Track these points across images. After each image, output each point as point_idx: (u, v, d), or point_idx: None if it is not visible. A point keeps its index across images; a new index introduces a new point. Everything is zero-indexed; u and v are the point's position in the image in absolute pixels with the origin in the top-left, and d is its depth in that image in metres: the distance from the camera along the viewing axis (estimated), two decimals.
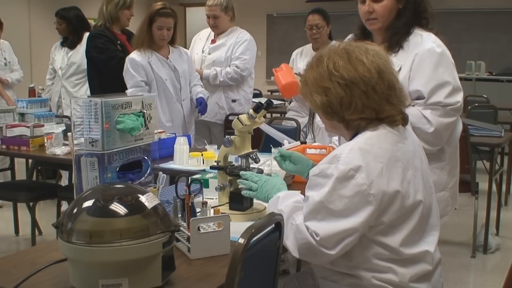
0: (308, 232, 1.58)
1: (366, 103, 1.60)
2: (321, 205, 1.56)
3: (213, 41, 4.27)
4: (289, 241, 1.63)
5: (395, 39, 2.22)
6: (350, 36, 2.44)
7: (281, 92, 3.42)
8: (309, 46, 4.49)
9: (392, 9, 2.22)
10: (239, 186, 1.95)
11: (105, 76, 4.02)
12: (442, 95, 2.12)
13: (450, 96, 2.14)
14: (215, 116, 4.25)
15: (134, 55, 3.69)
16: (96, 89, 4.13)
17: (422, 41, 2.19)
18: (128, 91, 3.65)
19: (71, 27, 4.87)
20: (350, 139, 1.67)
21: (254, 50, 4.25)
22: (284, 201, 1.73)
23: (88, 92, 4.76)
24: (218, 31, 4.23)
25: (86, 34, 4.77)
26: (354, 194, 1.54)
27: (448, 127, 2.18)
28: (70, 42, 4.92)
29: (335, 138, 2.65)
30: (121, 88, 3.67)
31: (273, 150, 2.84)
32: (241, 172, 1.93)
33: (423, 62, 2.14)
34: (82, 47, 4.82)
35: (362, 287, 1.63)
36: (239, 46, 4.16)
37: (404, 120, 1.69)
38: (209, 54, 4.23)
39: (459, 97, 2.17)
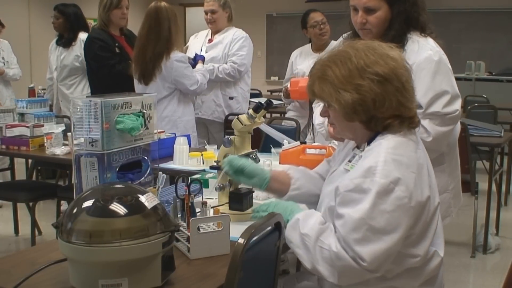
0: (349, 256, 1.48)
1: (400, 99, 1.55)
2: (362, 223, 1.46)
3: (210, 41, 4.28)
4: (323, 267, 1.53)
5: None
6: (342, 37, 2.40)
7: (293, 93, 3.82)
8: (308, 47, 4.50)
9: (386, 19, 2.17)
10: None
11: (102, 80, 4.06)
12: (440, 105, 2.11)
13: (448, 105, 2.12)
14: (213, 114, 4.24)
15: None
16: (97, 90, 4.15)
17: (418, 49, 2.15)
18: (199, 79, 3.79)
19: (68, 24, 4.83)
20: (367, 142, 1.63)
21: (251, 48, 4.25)
22: (305, 224, 1.60)
23: (84, 92, 4.78)
24: (216, 27, 4.24)
25: (81, 34, 4.77)
26: (395, 209, 1.47)
27: (446, 135, 2.17)
28: (65, 40, 4.88)
29: None
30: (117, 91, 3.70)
31: (273, 150, 2.85)
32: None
33: (421, 72, 2.11)
34: (74, 48, 4.79)
35: None
36: (236, 43, 4.17)
37: (419, 121, 1.66)
38: (206, 52, 4.24)
39: (457, 105, 2.15)
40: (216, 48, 4.20)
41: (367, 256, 1.46)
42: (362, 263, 1.46)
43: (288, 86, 4.18)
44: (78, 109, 1.83)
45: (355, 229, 1.47)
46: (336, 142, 2.63)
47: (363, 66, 1.54)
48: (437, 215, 1.62)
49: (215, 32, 4.27)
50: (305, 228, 1.59)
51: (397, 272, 1.58)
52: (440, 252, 1.66)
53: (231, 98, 4.24)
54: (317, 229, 1.57)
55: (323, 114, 1.70)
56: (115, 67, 3.96)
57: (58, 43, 4.97)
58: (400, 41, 2.15)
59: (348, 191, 1.51)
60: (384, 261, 1.49)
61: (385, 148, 1.54)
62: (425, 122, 2.11)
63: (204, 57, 4.06)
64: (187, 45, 4.46)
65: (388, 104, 1.54)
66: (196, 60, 3.98)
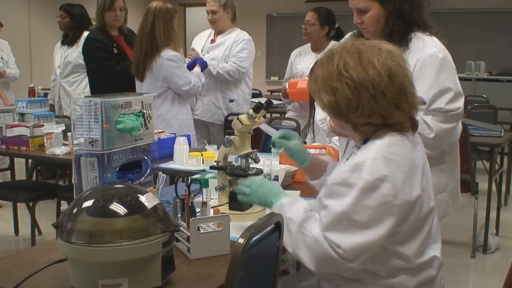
0: (328, 243, 1.51)
1: (373, 107, 1.54)
2: (344, 216, 1.50)
3: (212, 41, 4.28)
4: (303, 253, 1.57)
5: None
6: (348, 35, 2.43)
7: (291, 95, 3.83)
8: (307, 46, 4.49)
9: (378, 18, 2.19)
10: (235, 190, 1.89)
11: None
12: (443, 102, 2.12)
13: (451, 102, 2.13)
14: (212, 116, 4.24)
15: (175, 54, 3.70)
16: (97, 90, 4.15)
17: (423, 46, 2.16)
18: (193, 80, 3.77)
19: (73, 24, 4.89)
20: (362, 143, 1.63)
21: (253, 50, 4.24)
22: (291, 209, 1.64)
23: (86, 89, 4.80)
24: (217, 28, 4.24)
25: (86, 32, 4.80)
26: (379, 205, 1.49)
27: (448, 132, 2.18)
28: (70, 39, 4.94)
29: (335, 138, 2.65)
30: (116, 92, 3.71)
31: (273, 150, 2.84)
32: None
33: (425, 68, 2.12)
34: (79, 45, 4.83)
35: None
36: (238, 45, 4.17)
37: (414, 126, 1.64)
38: (208, 53, 4.23)
39: (460, 103, 2.16)
40: (218, 49, 4.20)
41: (344, 245, 1.49)
42: (338, 250, 1.50)
43: (287, 87, 4.18)
44: (78, 109, 1.83)
45: (336, 221, 1.51)
46: (336, 143, 2.63)
47: (341, 69, 1.55)
48: (432, 218, 1.62)
49: (218, 32, 4.27)
50: (289, 212, 1.62)
51: (387, 270, 1.59)
52: (438, 256, 1.66)
53: (231, 101, 4.23)
54: (302, 215, 1.61)
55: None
56: (113, 67, 3.97)
57: (63, 43, 5.01)
58: (401, 39, 2.17)
59: (335, 184, 1.55)
60: (361, 253, 1.51)
61: (378, 145, 1.56)
62: (427, 118, 2.12)
63: (205, 63, 4.03)
64: (191, 45, 4.46)
65: (360, 111, 1.55)
66: (194, 63, 3.96)
